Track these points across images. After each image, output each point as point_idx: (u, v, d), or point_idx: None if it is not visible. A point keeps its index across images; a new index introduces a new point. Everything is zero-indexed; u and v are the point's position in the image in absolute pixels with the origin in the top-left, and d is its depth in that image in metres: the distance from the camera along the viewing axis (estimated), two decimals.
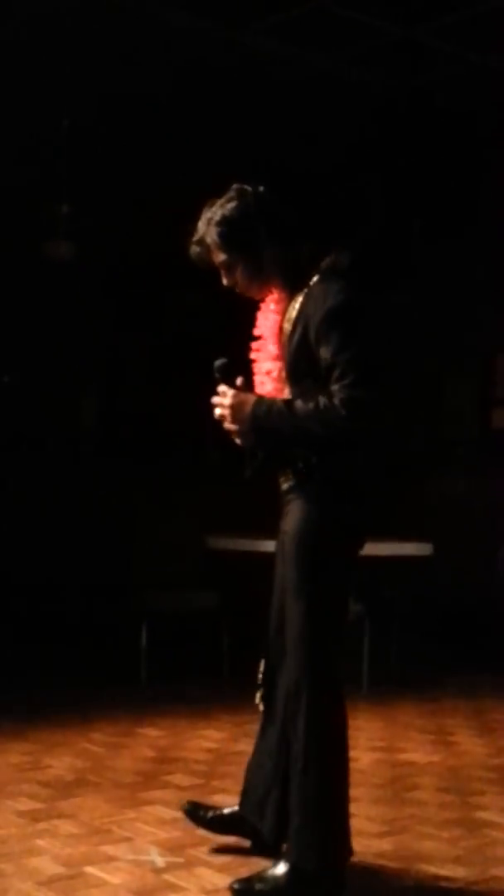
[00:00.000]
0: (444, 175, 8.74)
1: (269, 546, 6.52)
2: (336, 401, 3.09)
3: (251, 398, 3.27)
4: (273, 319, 3.37)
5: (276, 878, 3.30)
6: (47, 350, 8.18)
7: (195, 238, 3.41)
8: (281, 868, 3.32)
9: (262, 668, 3.54)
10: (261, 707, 3.55)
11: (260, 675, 3.54)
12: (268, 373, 3.40)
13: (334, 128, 8.16)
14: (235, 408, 3.25)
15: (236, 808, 3.64)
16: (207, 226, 3.37)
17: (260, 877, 3.34)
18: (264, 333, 3.41)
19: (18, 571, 7.36)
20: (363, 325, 3.21)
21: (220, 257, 3.38)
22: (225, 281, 3.43)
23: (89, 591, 7.62)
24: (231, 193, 3.38)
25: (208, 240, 3.38)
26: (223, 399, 3.28)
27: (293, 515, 3.35)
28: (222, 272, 3.42)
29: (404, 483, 8.14)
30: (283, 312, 3.34)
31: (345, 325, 3.16)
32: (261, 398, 3.28)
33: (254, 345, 3.44)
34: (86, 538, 7.71)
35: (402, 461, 8.08)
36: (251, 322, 3.48)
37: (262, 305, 3.43)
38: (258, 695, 3.55)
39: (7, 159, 7.51)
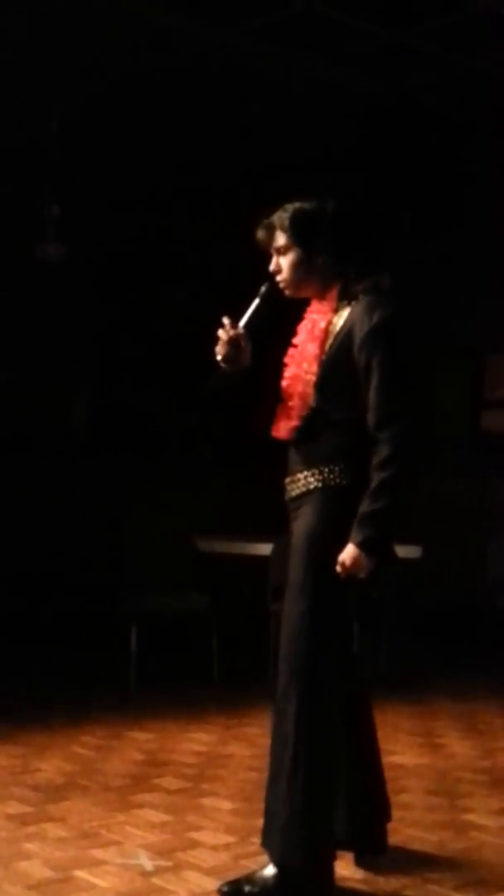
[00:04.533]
0: (433, 175, 8.75)
1: (259, 549, 6.57)
2: (381, 446, 3.28)
3: (351, 549, 3.29)
4: (318, 326, 3.48)
5: (264, 880, 3.32)
6: (38, 350, 8.17)
7: (266, 221, 3.58)
8: (269, 870, 3.34)
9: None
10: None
11: None
12: (298, 376, 3.47)
13: (323, 129, 8.17)
14: (355, 566, 3.29)
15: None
16: (282, 212, 3.54)
17: (248, 879, 3.36)
18: (304, 338, 3.51)
19: (6, 572, 7.34)
20: (401, 341, 3.41)
21: (280, 241, 3.53)
22: (272, 266, 3.57)
23: (79, 593, 7.61)
24: (317, 200, 3.56)
25: (277, 222, 3.54)
26: (345, 564, 3.31)
27: (303, 519, 3.43)
28: (274, 256, 3.57)
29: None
30: (329, 321, 3.46)
31: (388, 339, 3.36)
32: (353, 543, 3.29)
33: (289, 350, 3.55)
34: (75, 539, 7.70)
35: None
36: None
37: (306, 315, 3.56)
38: None
39: None
